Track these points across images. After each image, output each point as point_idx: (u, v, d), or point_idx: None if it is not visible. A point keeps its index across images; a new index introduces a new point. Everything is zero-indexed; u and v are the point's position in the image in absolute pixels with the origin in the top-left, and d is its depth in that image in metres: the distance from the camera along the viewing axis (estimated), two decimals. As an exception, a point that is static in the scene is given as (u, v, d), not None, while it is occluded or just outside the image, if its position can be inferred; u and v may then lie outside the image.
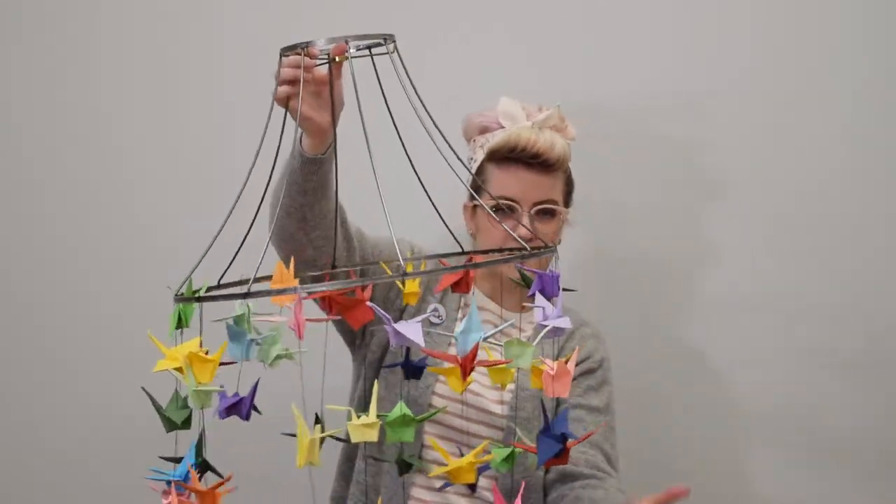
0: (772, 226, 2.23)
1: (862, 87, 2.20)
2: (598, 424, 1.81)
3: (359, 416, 1.07)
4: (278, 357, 1.10)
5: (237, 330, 1.10)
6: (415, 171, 1.20)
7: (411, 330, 1.06)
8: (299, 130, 1.57)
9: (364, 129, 1.14)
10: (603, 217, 2.23)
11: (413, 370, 1.37)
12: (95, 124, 2.28)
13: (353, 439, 1.06)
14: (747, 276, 2.22)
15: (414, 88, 1.16)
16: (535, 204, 1.81)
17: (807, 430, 2.24)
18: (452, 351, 1.79)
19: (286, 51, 1.24)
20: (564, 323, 1.14)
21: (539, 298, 1.15)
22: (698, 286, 2.24)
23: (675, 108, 2.21)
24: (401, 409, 1.10)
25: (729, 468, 2.25)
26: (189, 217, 2.23)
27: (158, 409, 1.11)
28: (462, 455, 1.21)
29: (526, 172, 1.81)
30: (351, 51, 1.26)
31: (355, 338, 1.86)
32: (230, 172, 2.16)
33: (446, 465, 1.29)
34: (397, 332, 1.05)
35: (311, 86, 1.50)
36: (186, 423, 1.11)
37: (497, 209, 1.81)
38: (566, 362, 1.13)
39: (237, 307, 1.09)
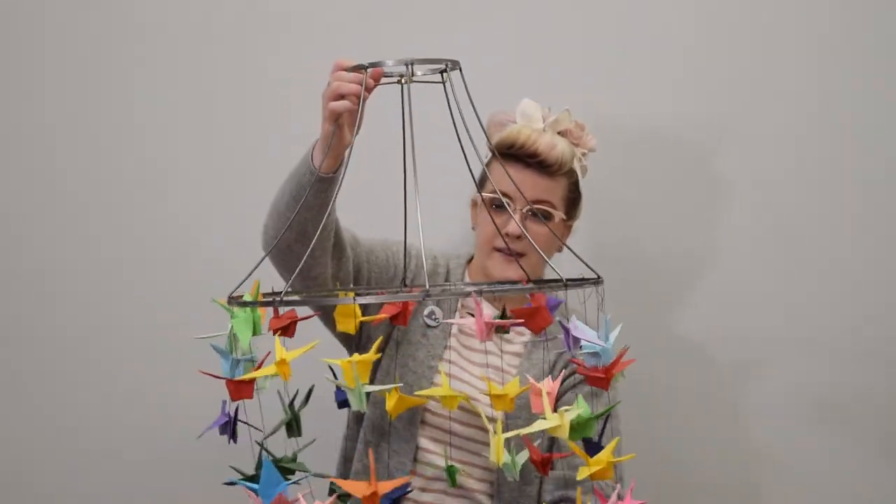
0: (771, 223, 2.23)
1: (862, 88, 2.21)
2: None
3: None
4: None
5: (223, 350, 1.12)
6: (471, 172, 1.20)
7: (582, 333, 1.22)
8: (312, 148, 1.59)
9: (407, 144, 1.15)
10: (602, 215, 2.23)
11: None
12: (119, 126, 2.29)
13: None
14: (746, 273, 2.23)
15: (473, 107, 1.25)
16: (529, 203, 1.81)
17: (808, 426, 2.25)
18: (448, 355, 1.81)
19: (364, 68, 1.30)
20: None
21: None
22: (698, 282, 2.25)
23: (675, 108, 2.22)
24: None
25: (729, 462, 2.26)
26: (209, 221, 2.26)
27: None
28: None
29: (524, 171, 1.82)
30: (418, 73, 1.30)
31: (352, 341, 1.86)
32: (257, 174, 2.20)
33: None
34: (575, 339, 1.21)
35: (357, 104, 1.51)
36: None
37: (493, 204, 1.82)
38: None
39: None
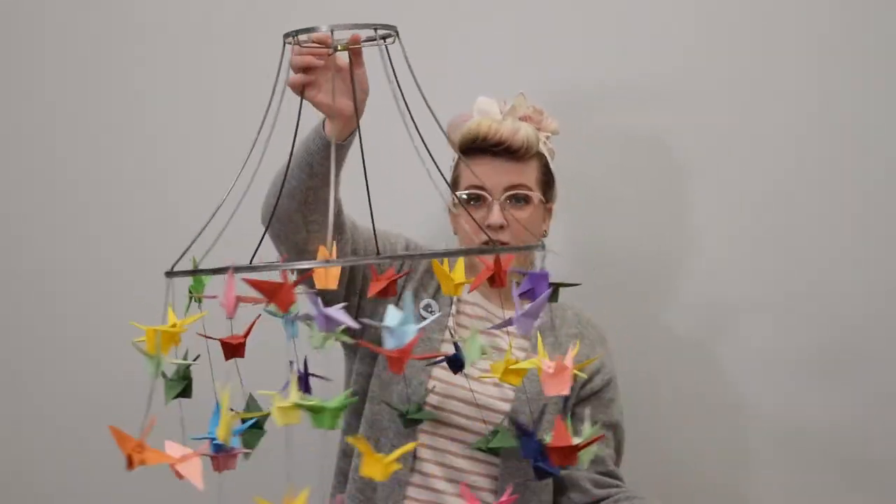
0: (771, 223, 2.23)
1: (862, 88, 2.20)
2: (604, 441, 1.86)
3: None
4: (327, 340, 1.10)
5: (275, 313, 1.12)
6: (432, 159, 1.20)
7: (340, 314, 1.02)
8: (321, 114, 1.57)
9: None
10: (600, 214, 2.24)
11: (455, 363, 1.36)
12: (119, 126, 2.30)
13: (278, 423, 1.06)
14: (746, 273, 2.23)
15: (416, 79, 1.18)
16: (506, 190, 1.81)
17: (808, 425, 2.25)
18: (446, 348, 1.81)
19: (288, 36, 1.26)
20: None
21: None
22: (696, 282, 2.24)
23: (675, 108, 2.22)
24: (342, 399, 1.06)
25: (724, 458, 2.26)
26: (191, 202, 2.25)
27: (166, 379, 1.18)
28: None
29: (493, 161, 1.82)
30: (339, 41, 1.31)
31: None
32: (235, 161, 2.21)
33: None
34: (327, 318, 1.02)
35: (330, 72, 1.49)
36: (187, 391, 1.17)
37: (469, 201, 1.83)
38: (563, 358, 1.13)
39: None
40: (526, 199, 1.83)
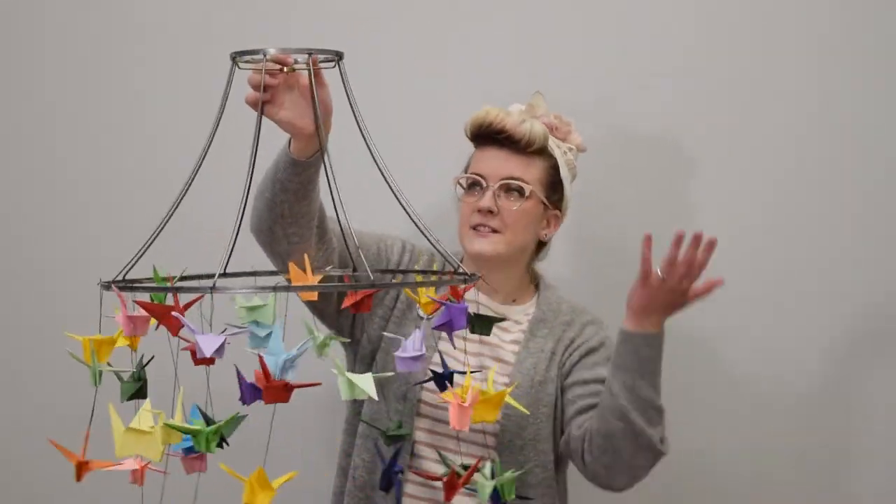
0: (771, 223, 2.24)
1: (862, 88, 2.21)
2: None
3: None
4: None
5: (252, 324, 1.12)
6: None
7: (211, 343, 1.01)
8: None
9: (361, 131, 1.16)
10: (601, 215, 2.24)
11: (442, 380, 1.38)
12: (119, 126, 2.30)
13: (162, 443, 1.07)
14: (747, 273, 2.23)
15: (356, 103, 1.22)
16: (501, 179, 1.82)
17: (808, 425, 2.25)
18: (441, 346, 1.81)
19: (239, 55, 1.30)
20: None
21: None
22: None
23: (675, 108, 2.22)
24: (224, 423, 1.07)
25: (724, 458, 2.27)
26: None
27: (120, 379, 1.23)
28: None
29: (496, 150, 1.84)
30: (298, 62, 1.35)
31: (345, 334, 1.85)
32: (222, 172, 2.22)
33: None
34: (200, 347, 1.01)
35: (291, 91, 1.50)
36: (141, 393, 1.20)
37: (469, 187, 1.85)
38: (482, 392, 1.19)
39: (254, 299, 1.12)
40: (520, 192, 1.83)
